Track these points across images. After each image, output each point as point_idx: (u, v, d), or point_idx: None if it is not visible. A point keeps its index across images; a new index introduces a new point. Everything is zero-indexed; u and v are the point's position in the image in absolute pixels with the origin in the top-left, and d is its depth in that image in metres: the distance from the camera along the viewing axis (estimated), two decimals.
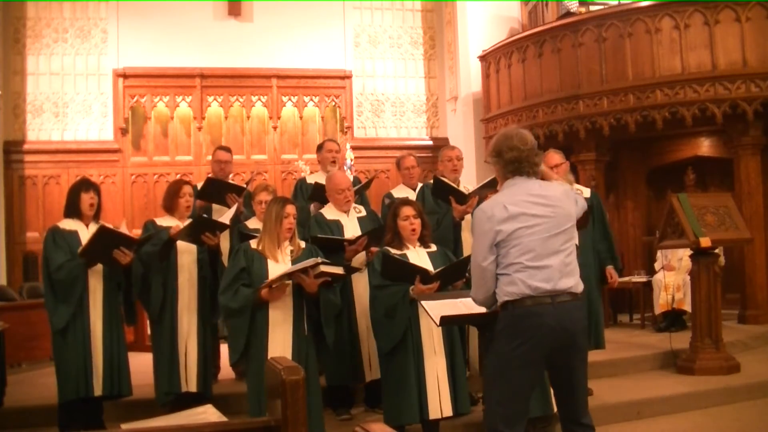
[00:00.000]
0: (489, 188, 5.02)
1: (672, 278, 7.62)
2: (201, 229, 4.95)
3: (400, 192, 5.84)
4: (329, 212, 5.18)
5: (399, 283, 4.34)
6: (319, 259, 4.15)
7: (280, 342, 4.20)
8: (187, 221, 4.98)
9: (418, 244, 4.52)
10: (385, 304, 4.39)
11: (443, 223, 5.24)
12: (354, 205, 5.25)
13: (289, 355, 4.17)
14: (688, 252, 6.61)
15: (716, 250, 6.27)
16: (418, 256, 4.46)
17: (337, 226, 5.07)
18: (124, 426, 2.50)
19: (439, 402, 4.32)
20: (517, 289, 3.18)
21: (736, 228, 6.20)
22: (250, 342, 4.20)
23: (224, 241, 5.41)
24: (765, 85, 7.49)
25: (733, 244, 7.23)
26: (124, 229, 4.90)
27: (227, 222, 5.09)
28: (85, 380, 4.56)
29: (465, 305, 3.83)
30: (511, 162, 3.30)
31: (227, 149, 6.29)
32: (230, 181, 5.82)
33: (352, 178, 6.39)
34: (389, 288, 4.37)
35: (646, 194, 9.68)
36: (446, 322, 3.89)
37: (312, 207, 5.71)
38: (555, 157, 5.38)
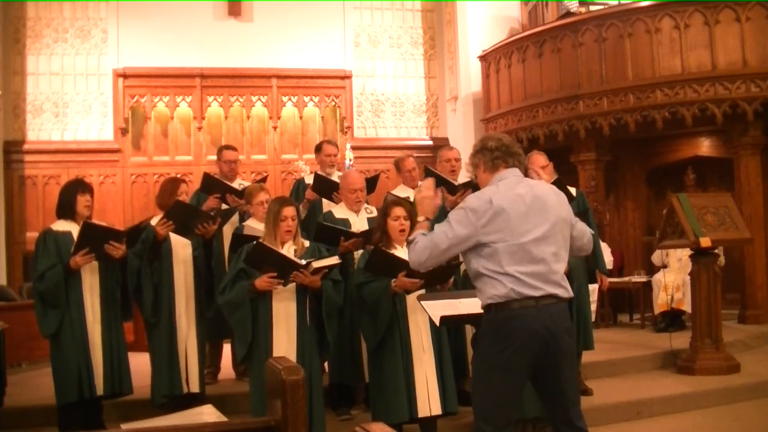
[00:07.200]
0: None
1: (671, 278, 7.63)
2: (182, 216, 4.86)
3: (402, 192, 5.84)
4: (339, 211, 5.21)
5: (381, 278, 4.35)
6: (304, 262, 4.16)
7: (284, 337, 4.21)
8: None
9: (405, 244, 4.53)
10: (368, 300, 4.41)
11: (435, 214, 5.22)
12: (366, 205, 5.28)
13: (294, 349, 4.20)
14: (687, 252, 6.61)
15: (716, 250, 6.27)
16: (406, 256, 4.47)
17: (345, 224, 5.09)
18: (124, 426, 2.50)
19: (428, 400, 4.33)
20: (501, 293, 3.13)
21: (736, 228, 6.21)
22: (254, 338, 4.21)
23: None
24: (765, 85, 7.49)
25: (733, 244, 7.23)
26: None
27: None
28: (89, 381, 4.54)
29: (464, 305, 3.83)
30: (496, 149, 3.27)
31: (233, 148, 6.26)
32: (228, 183, 5.82)
33: None
34: (371, 284, 4.39)
35: (646, 194, 9.68)
36: (446, 322, 3.89)
37: (308, 193, 5.75)
38: (540, 159, 5.32)
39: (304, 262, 4.17)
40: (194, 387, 4.90)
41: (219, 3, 10.29)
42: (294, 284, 4.23)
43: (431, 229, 3.36)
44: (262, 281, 4.15)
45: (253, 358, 4.22)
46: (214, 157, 6.35)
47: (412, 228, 4.47)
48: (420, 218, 3.49)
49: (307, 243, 4.48)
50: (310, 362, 4.26)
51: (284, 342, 4.21)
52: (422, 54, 11.08)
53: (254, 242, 4.28)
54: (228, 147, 6.24)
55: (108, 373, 4.64)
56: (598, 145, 8.69)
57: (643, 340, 7.21)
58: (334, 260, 4.32)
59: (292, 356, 4.16)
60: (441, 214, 5.16)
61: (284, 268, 4.14)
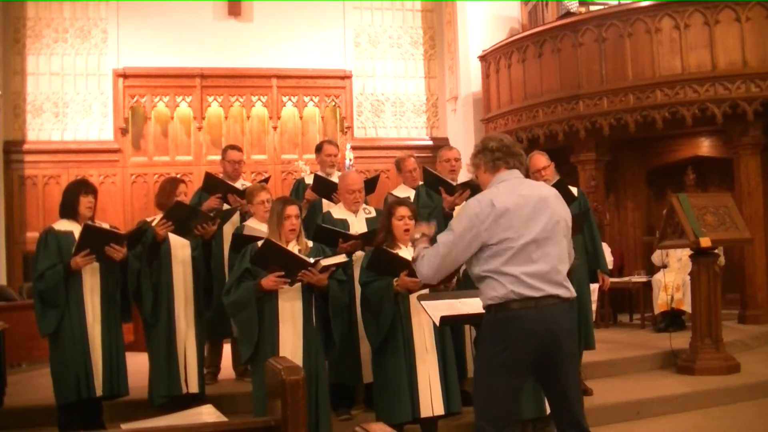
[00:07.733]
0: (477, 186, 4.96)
1: (671, 278, 7.62)
2: (181, 216, 4.85)
3: (402, 192, 5.85)
4: (337, 211, 5.21)
5: (383, 278, 4.35)
6: (312, 260, 4.16)
7: (290, 336, 4.21)
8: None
9: (409, 244, 4.53)
10: (371, 299, 4.41)
11: (434, 214, 5.23)
12: (364, 206, 5.28)
13: (300, 348, 4.20)
14: (687, 252, 6.61)
15: (716, 250, 6.27)
16: (410, 256, 4.47)
17: (344, 225, 5.10)
18: (124, 426, 2.50)
19: (431, 400, 4.33)
20: (500, 294, 3.13)
21: (736, 228, 6.21)
22: (259, 338, 4.21)
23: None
24: (765, 85, 7.49)
25: (733, 244, 7.23)
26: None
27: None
28: (86, 381, 4.53)
29: (465, 305, 3.83)
30: (497, 150, 3.27)
31: (239, 148, 6.24)
32: (230, 183, 5.83)
33: None
34: (374, 283, 4.39)
35: (646, 194, 9.68)
36: (447, 322, 3.89)
37: (307, 193, 5.82)
38: (541, 159, 5.32)
39: (312, 260, 4.17)
40: (193, 387, 4.89)
41: (219, 3, 10.29)
42: (299, 283, 4.22)
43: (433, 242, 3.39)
44: (268, 281, 4.13)
45: (259, 357, 4.20)
46: (214, 157, 6.36)
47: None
48: (416, 235, 3.54)
49: (310, 243, 4.48)
50: (316, 361, 4.27)
51: (290, 341, 4.20)
52: (422, 54, 11.08)
53: (263, 240, 4.26)
54: (233, 147, 6.22)
55: (107, 374, 4.63)
56: (598, 145, 8.70)
57: (643, 340, 7.21)
58: (342, 258, 4.32)
59: (299, 355, 4.16)
60: (439, 215, 5.18)
61: (292, 267, 4.13)
